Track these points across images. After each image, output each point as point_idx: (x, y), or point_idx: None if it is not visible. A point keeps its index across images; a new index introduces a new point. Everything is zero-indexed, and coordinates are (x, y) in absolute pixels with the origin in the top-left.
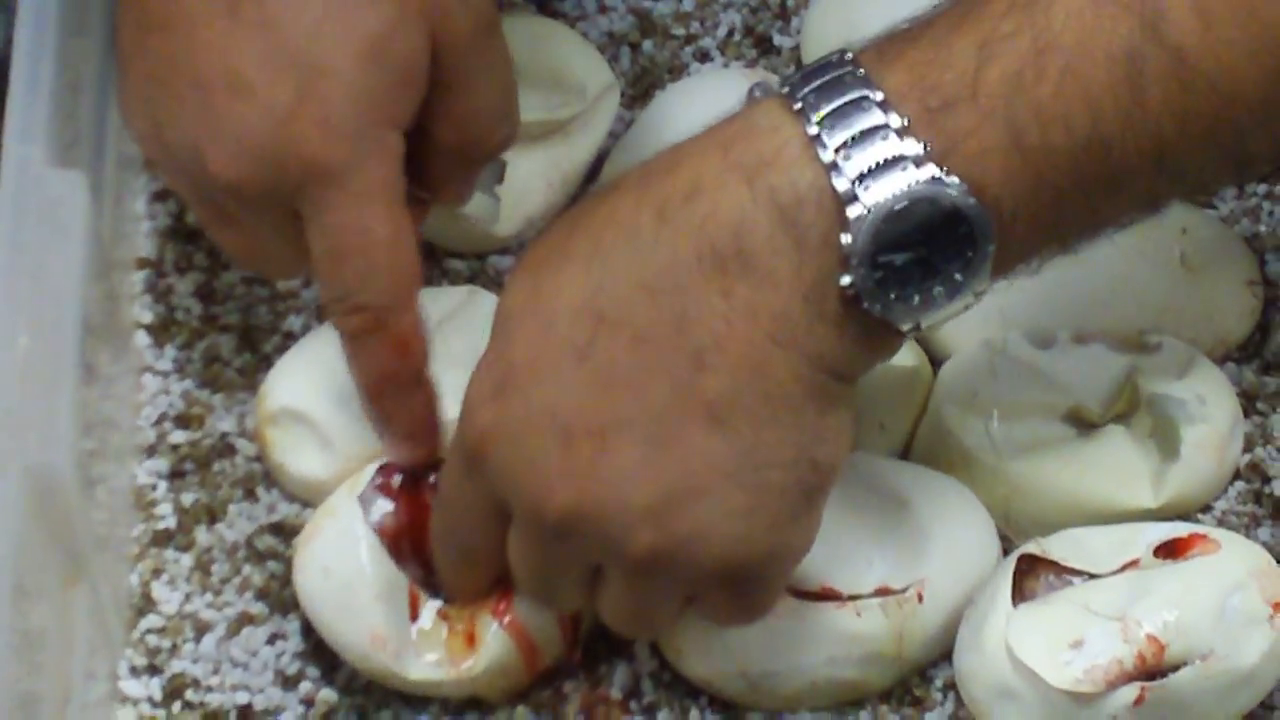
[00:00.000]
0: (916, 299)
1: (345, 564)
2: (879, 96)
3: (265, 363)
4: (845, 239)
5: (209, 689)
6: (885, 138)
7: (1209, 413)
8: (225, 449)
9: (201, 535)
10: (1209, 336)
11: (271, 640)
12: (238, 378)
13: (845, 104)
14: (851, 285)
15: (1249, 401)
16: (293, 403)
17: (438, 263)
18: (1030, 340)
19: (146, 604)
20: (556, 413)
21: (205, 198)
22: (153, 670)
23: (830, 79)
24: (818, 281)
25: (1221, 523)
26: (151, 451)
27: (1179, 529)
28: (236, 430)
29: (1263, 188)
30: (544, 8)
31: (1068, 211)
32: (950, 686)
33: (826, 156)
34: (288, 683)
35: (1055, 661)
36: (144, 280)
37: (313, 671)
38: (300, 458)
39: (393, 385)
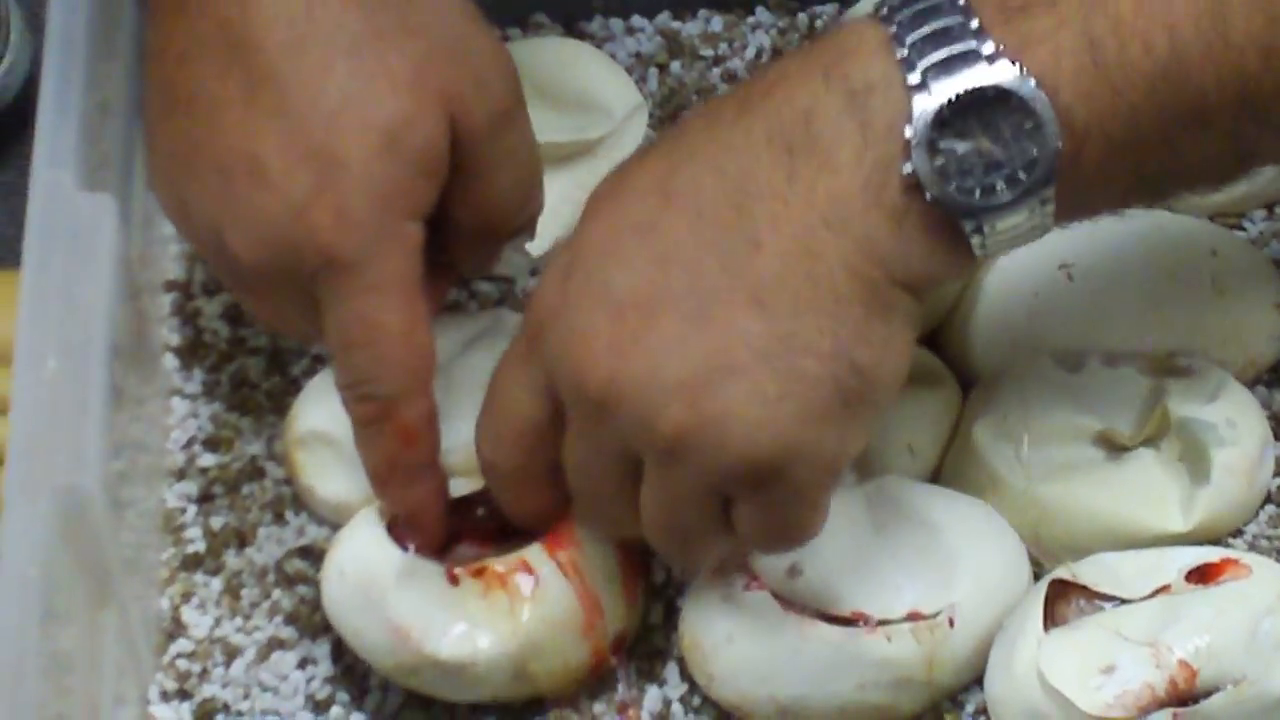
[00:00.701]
0: (978, 192)
1: (359, 561)
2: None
3: (294, 386)
4: (909, 129)
5: (239, 713)
6: (960, 36)
7: (1239, 436)
8: (254, 472)
9: (231, 559)
10: (1239, 359)
11: (302, 665)
12: (266, 401)
13: (926, 7)
14: (912, 172)
15: (1279, 424)
16: (321, 426)
17: (466, 285)
18: (1060, 363)
19: (176, 628)
20: (612, 287)
21: (228, 272)
22: (183, 695)
23: None
24: (879, 168)
25: (1253, 547)
26: (181, 475)
27: (1210, 554)
28: (265, 453)
29: None
30: (571, 29)
31: (1146, 139)
32: (981, 712)
33: (901, 52)
34: (318, 707)
35: (1087, 687)
36: (172, 303)
37: (343, 696)
38: (329, 480)
39: (398, 473)
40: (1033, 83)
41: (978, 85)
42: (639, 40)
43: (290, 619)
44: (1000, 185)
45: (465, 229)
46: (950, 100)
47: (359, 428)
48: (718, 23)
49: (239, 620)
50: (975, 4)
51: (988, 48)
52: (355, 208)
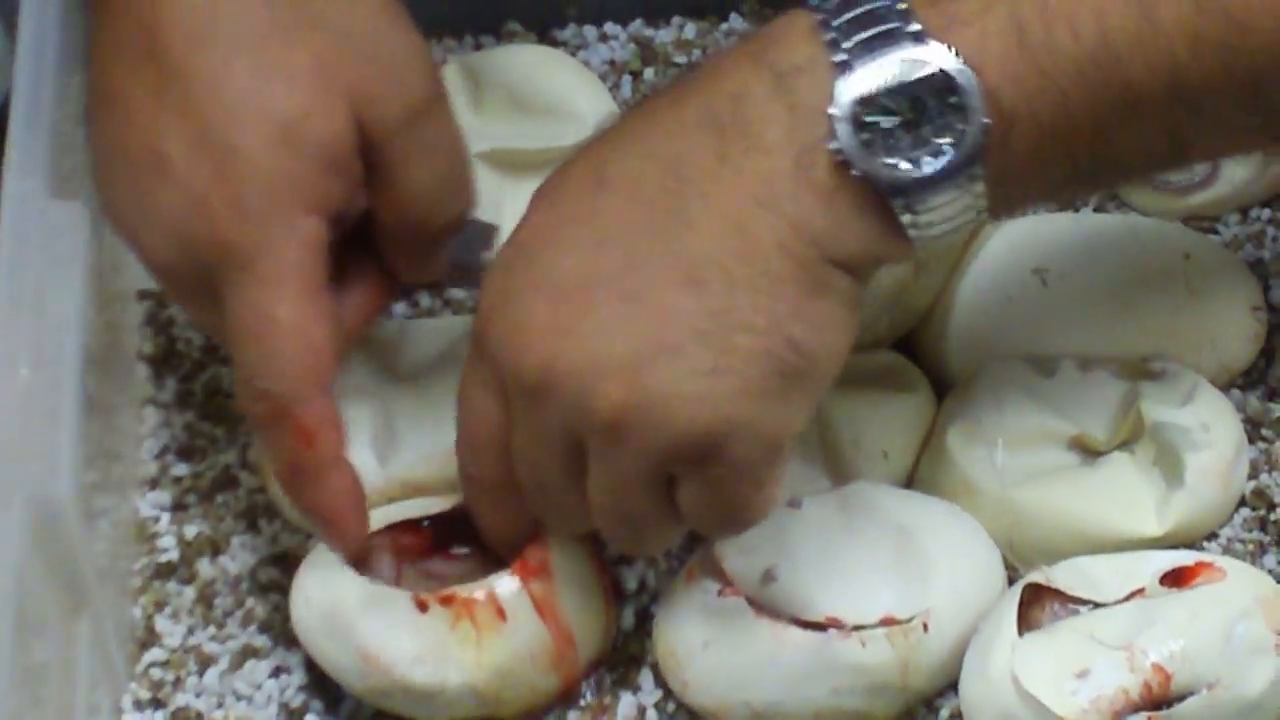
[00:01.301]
0: (905, 165)
1: (325, 587)
2: None
3: None
4: (834, 107)
5: None
6: (887, 18)
7: (1213, 439)
8: (228, 481)
9: (204, 568)
10: (1213, 363)
11: (275, 673)
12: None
13: None
14: (839, 149)
15: (1253, 428)
16: None
17: (440, 293)
18: (1034, 367)
19: (150, 637)
20: (550, 274)
21: (152, 272)
22: (156, 704)
23: None
24: (808, 147)
25: (1227, 550)
26: (154, 484)
27: (1184, 557)
28: (238, 462)
29: (1266, 212)
30: (544, 36)
31: (1078, 126)
32: (956, 716)
33: (828, 35)
34: (292, 716)
35: (1061, 691)
36: (145, 311)
37: (316, 704)
38: None
39: (301, 474)
40: (958, 60)
41: (902, 60)
42: (612, 47)
43: (264, 627)
44: (927, 160)
45: (390, 229)
46: (875, 75)
47: (256, 429)
48: (691, 30)
49: (212, 629)
50: None
51: (913, 27)
52: (249, 198)
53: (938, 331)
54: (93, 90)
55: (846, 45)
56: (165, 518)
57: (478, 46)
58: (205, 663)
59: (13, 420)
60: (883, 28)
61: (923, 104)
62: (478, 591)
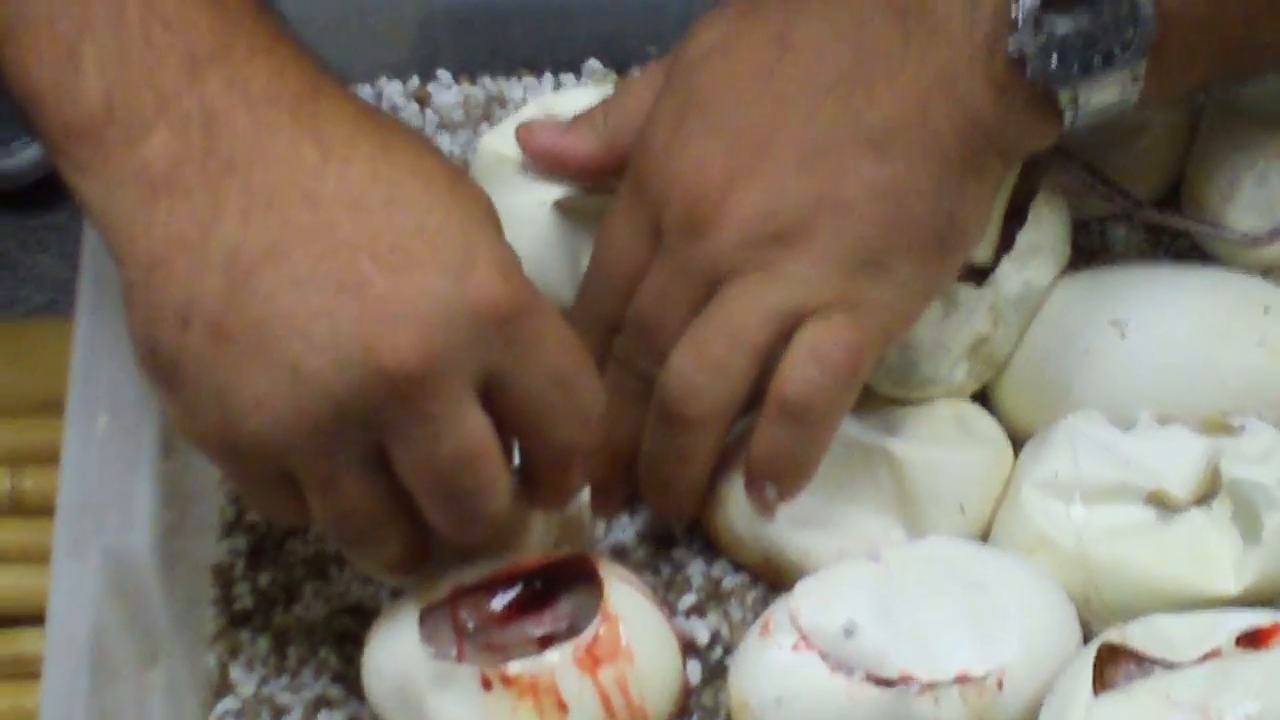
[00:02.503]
0: (1076, 67)
1: (395, 661)
2: None
3: None
4: (1015, 7)
5: None
6: None
7: None
8: (298, 528)
9: (278, 616)
10: None
11: None
12: None
13: None
14: (1017, 49)
15: None
16: None
17: None
18: (1111, 421)
19: (224, 685)
20: (730, 122)
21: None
22: None
23: None
24: (986, 42)
25: None
26: (230, 529)
27: (1261, 618)
28: None
29: None
30: (624, 74)
31: (1228, 21)
32: None
33: None
34: None
35: None
36: None
37: None
38: None
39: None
40: None
41: None
42: None
43: (336, 677)
44: (1097, 60)
45: None
46: None
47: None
48: None
49: (286, 678)
50: None
51: None
52: None
53: (1015, 384)
54: None
55: None
56: (240, 564)
57: (557, 85)
58: (279, 713)
59: (92, 469)
60: None
61: (1099, 8)
62: (542, 674)
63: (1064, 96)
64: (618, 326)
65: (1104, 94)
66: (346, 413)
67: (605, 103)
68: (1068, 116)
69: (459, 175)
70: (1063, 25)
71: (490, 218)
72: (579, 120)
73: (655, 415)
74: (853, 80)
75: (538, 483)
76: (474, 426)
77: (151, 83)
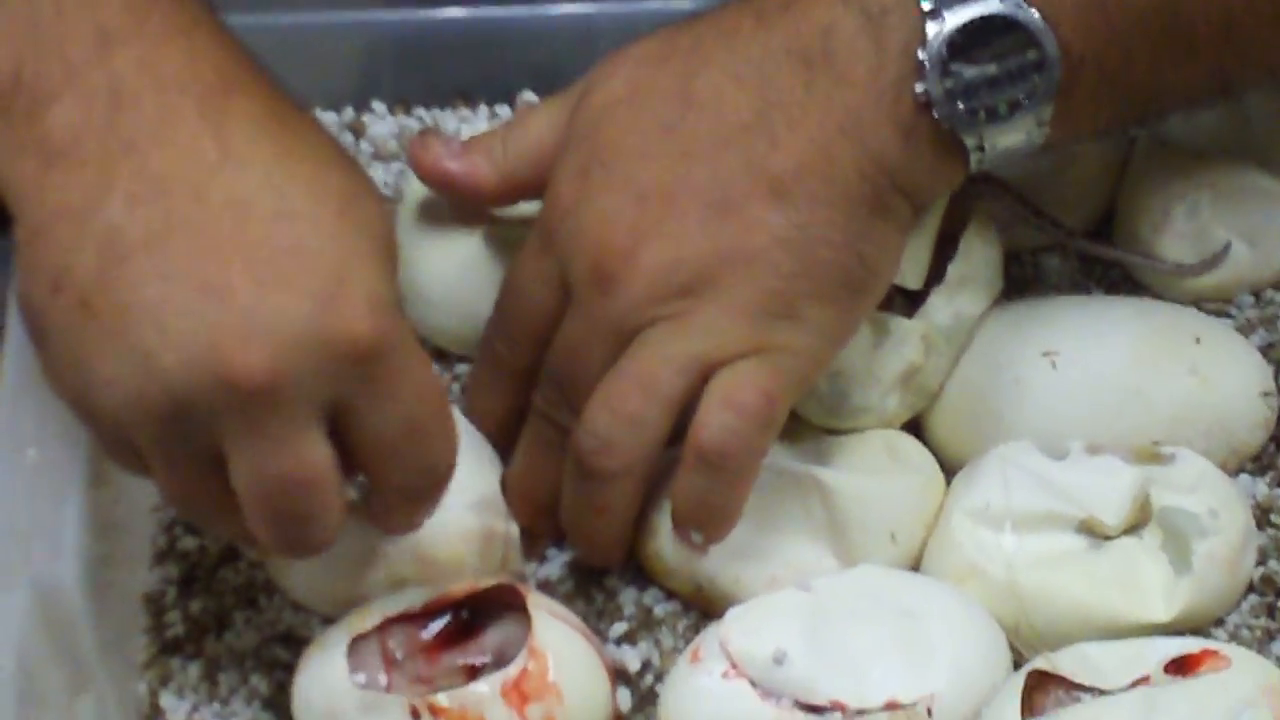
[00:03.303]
0: (982, 113)
1: (323, 689)
2: None
3: None
4: (922, 52)
5: None
6: None
7: (1221, 525)
8: (232, 555)
9: (210, 644)
10: (1222, 448)
11: None
12: None
13: None
14: (924, 92)
15: (1262, 514)
16: None
17: (449, 366)
18: (1043, 451)
19: (155, 713)
20: (635, 180)
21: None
22: None
23: None
24: (892, 86)
25: (1234, 637)
26: (162, 558)
27: (1189, 645)
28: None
29: None
30: None
31: (1136, 70)
32: None
33: None
34: None
35: None
36: None
37: None
38: (297, 564)
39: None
40: (1037, 15)
41: (987, 14)
42: None
43: (268, 705)
44: (1003, 108)
45: None
46: (961, 27)
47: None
48: None
49: (217, 706)
50: None
51: None
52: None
53: (947, 413)
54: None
55: None
56: (172, 592)
57: (493, 116)
58: None
59: (19, 501)
60: None
61: (1004, 56)
62: (470, 705)
63: (970, 140)
64: (524, 374)
65: (1010, 137)
66: (187, 411)
67: (504, 129)
68: (974, 159)
69: (356, 196)
70: (969, 71)
71: (378, 247)
72: (475, 144)
73: (571, 470)
74: (756, 129)
75: (379, 514)
76: (310, 453)
77: (61, 54)
